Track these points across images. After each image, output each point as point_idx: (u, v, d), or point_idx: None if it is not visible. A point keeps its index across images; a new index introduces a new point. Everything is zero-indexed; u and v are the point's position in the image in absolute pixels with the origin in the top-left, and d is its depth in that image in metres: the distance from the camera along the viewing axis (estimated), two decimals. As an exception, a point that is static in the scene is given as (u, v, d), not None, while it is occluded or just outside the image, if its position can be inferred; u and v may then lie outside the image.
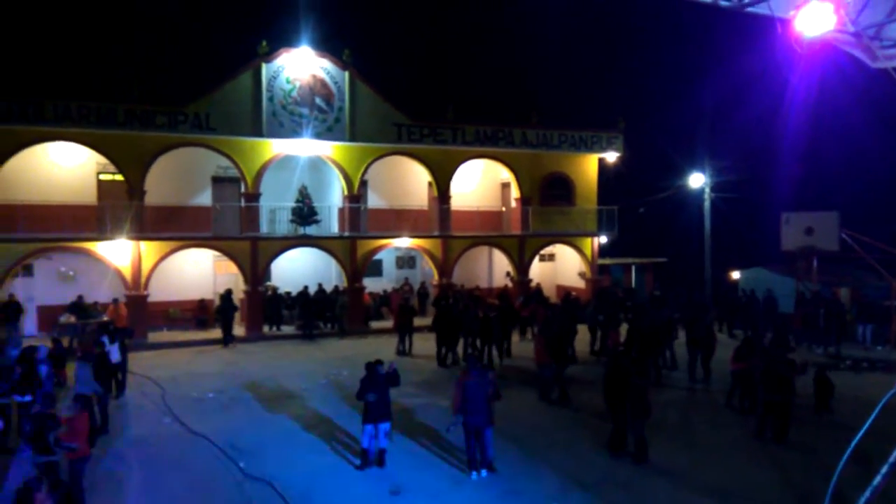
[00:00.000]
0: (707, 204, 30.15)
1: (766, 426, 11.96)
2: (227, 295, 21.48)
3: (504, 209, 28.98)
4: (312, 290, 23.65)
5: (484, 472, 10.10)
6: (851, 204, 29.77)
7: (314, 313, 23.19)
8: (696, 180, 30.41)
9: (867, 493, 1.29)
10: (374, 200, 26.78)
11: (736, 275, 32.22)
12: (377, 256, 25.69)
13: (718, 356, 16.13)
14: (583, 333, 19.35)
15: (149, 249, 21.74)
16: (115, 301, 20.90)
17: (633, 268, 32.36)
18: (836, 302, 21.69)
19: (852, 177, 40.91)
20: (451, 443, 11.41)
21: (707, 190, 30.13)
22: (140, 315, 21.55)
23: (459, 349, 18.64)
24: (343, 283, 24.55)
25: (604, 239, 29.24)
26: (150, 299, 22.10)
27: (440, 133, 25.11)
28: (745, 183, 31.18)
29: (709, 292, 29.44)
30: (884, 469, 1.32)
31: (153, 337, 21.91)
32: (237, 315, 22.72)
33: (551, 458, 10.81)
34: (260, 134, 22.57)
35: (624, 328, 18.69)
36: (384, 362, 10.61)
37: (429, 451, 11.21)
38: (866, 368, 18.04)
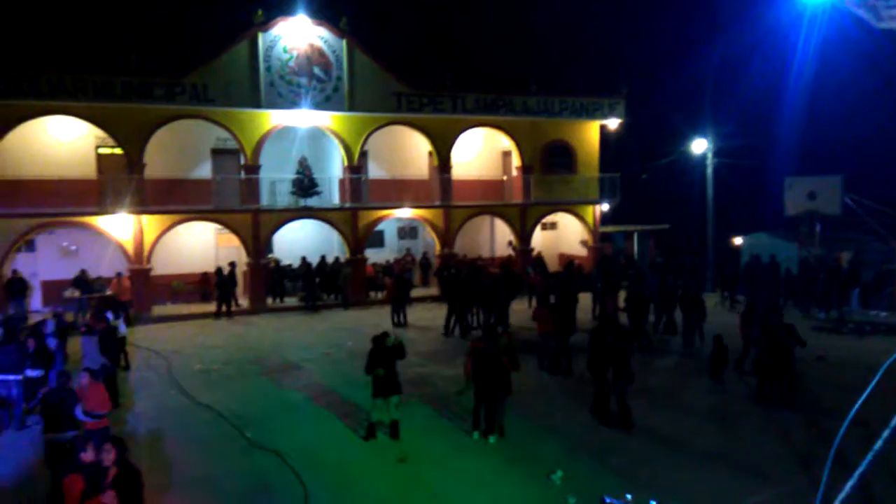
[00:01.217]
0: (710, 170, 29.93)
1: (768, 390, 12.00)
2: (230, 268, 21.67)
3: (505, 178, 28.83)
4: (314, 261, 23.69)
5: (492, 439, 10.20)
6: (855, 167, 29.57)
7: (318, 285, 23.26)
8: (699, 146, 30.15)
9: (869, 457, 1.30)
10: (374, 171, 26.64)
11: (738, 240, 32.13)
12: (379, 227, 25.65)
13: (724, 321, 16.16)
14: (585, 301, 19.38)
15: (150, 223, 21.71)
16: (119, 275, 20.96)
17: (636, 235, 32.28)
18: (837, 267, 21.67)
19: (856, 140, 40.54)
20: (457, 410, 11.52)
21: (710, 155, 29.89)
22: (143, 289, 21.63)
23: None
24: (345, 255, 24.56)
25: (606, 206, 29.13)
26: (153, 273, 22.16)
27: (440, 102, 24.87)
28: (749, 148, 30.91)
29: (711, 258, 29.42)
30: (885, 433, 1.32)
31: (157, 310, 22.02)
32: (240, 287, 22.82)
33: (555, 425, 10.91)
34: (258, 105, 22.37)
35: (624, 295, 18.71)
36: (391, 335, 10.61)
37: (435, 419, 11.30)
38: (869, 332, 18.09)
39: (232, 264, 21.96)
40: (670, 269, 24.31)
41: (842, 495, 1.19)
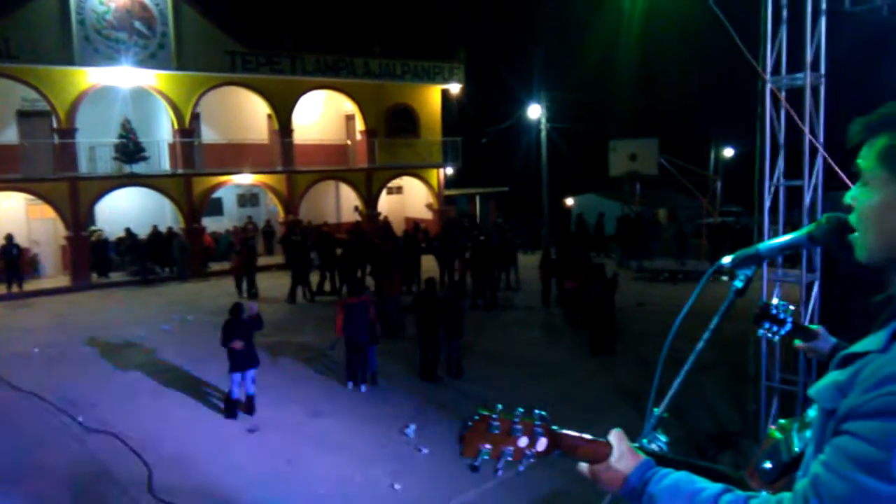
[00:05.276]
0: (543, 134, 31.51)
1: (600, 341, 12.97)
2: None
3: (349, 142, 28.49)
4: (143, 232, 22.12)
5: (363, 387, 10.83)
6: (669, 131, 32.53)
7: (149, 257, 21.78)
8: (534, 111, 31.58)
9: (698, 346, 1.46)
10: (208, 135, 25.19)
11: (570, 201, 34.36)
12: (216, 194, 24.43)
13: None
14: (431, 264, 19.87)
15: (-57, 194, 19.09)
16: None
17: (478, 198, 33.41)
18: (654, 222, 23.93)
19: (675, 104, 44.60)
20: (307, 377, 11.47)
21: (543, 121, 31.43)
22: (-60, 269, 19.07)
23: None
24: (179, 225, 23.14)
25: (449, 170, 29.80)
26: (-49, 251, 19.56)
27: (278, 62, 23.89)
28: (579, 113, 32.92)
29: (546, 218, 31.21)
30: (705, 336, 1.50)
31: (-41, 293, 19.53)
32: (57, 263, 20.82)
33: (404, 384, 11.20)
34: (71, 62, 20.20)
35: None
36: (246, 306, 10.22)
37: (287, 387, 11.14)
38: (681, 279, 20.22)
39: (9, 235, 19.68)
40: (514, 229, 25.55)
41: (674, 385, 1.36)
